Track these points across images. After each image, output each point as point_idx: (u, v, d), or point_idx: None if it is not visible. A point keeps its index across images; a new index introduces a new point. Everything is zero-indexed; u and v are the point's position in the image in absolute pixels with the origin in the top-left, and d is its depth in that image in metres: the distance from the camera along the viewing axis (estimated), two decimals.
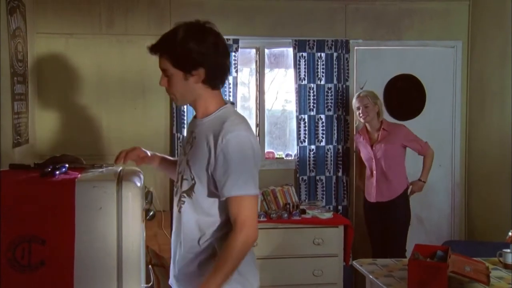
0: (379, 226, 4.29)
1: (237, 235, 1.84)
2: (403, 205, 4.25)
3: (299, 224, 4.26)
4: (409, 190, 4.28)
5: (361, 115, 4.23)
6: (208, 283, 1.82)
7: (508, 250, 3.01)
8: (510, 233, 3.12)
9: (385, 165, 4.20)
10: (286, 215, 4.31)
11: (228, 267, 1.83)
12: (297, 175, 4.71)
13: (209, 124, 1.93)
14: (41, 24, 4.31)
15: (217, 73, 1.96)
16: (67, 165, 2.09)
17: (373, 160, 4.24)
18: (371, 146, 4.25)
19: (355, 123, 4.50)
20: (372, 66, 4.84)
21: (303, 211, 4.39)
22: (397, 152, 4.21)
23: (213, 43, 1.94)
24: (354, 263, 3.17)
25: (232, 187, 1.83)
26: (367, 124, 4.30)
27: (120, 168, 2.19)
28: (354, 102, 4.30)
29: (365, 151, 4.33)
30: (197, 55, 1.90)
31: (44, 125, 4.34)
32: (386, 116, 4.75)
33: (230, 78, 4.51)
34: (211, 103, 1.98)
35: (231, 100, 4.55)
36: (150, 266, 2.13)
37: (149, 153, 2.23)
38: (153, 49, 1.96)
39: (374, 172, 4.24)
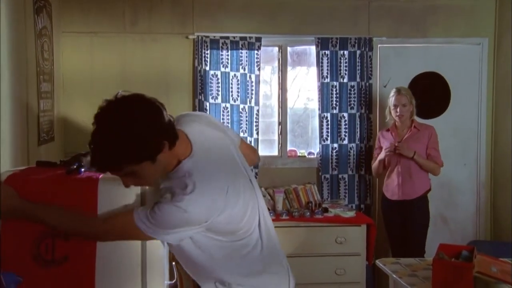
0: (398, 225, 4.20)
1: (99, 222, 1.82)
2: (423, 206, 4.16)
3: (322, 222, 4.25)
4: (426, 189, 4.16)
5: (398, 113, 4.11)
6: (36, 208, 1.81)
7: None
8: None
9: (410, 164, 4.09)
10: (308, 213, 4.30)
11: (58, 221, 1.81)
12: (320, 174, 4.69)
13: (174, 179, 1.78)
14: (66, 23, 4.37)
15: (171, 128, 1.74)
16: None
17: (399, 157, 4.11)
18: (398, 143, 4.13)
19: (387, 119, 4.28)
20: (396, 64, 4.79)
21: (326, 210, 4.37)
22: (423, 151, 4.11)
23: (141, 113, 1.69)
24: (377, 262, 3.15)
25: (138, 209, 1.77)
26: (397, 123, 4.20)
27: None
28: (392, 99, 4.14)
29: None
30: (156, 133, 1.68)
31: (69, 123, 4.41)
32: None
33: (253, 76, 4.52)
34: (172, 163, 1.79)
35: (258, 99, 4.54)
36: (173, 263, 2.13)
37: None
38: (106, 169, 1.74)
39: (399, 169, 4.12)
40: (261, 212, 1.97)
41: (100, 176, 1.94)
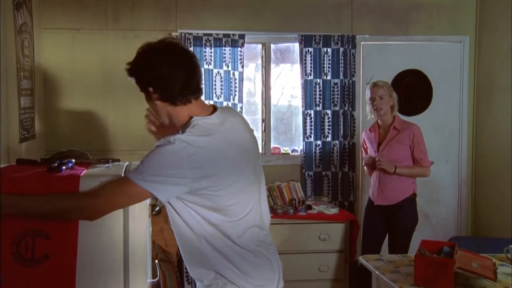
0: (380, 230, 3.94)
1: (85, 198, 1.78)
2: (410, 210, 3.84)
3: (305, 219, 4.26)
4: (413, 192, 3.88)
5: (375, 107, 3.82)
6: (14, 199, 1.78)
7: None
8: None
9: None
10: (292, 210, 4.31)
11: (42, 206, 1.77)
12: (303, 171, 4.70)
13: None
14: (47, 20, 4.32)
15: (167, 86, 1.88)
16: (73, 160, 2.10)
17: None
18: (379, 145, 3.89)
19: (368, 117, 4.04)
20: (378, 61, 4.82)
21: (309, 207, 4.39)
22: (406, 153, 3.81)
23: (151, 56, 1.91)
24: (360, 258, 3.16)
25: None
26: (379, 120, 3.92)
27: (127, 163, 2.20)
28: (368, 92, 3.88)
29: (371, 150, 3.96)
30: (138, 73, 1.94)
31: (50, 120, 4.36)
32: None
33: (236, 74, 4.52)
34: (184, 117, 1.92)
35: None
36: (156, 261, 2.13)
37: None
38: (140, 79, 1.96)
39: (377, 173, 3.88)
40: (257, 208, 2.01)
41: (82, 173, 1.93)
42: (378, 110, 3.83)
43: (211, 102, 4.47)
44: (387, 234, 3.96)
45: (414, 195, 3.88)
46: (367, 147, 4.05)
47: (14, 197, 1.78)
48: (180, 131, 1.86)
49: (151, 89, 1.88)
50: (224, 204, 1.86)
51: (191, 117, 1.89)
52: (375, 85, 3.86)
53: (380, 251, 3.92)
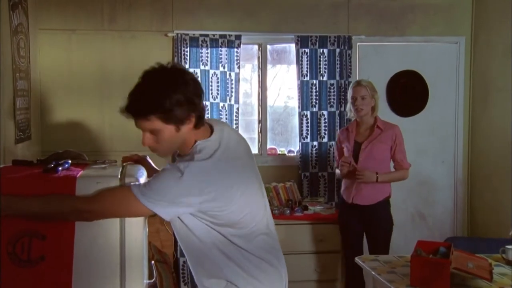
0: (357, 231, 3.85)
1: (86, 202, 1.79)
2: (387, 211, 3.80)
3: (301, 220, 4.27)
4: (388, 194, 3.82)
5: (356, 107, 3.74)
6: (10, 200, 1.77)
7: (511, 247, 3.00)
8: None
9: (372, 168, 3.70)
10: (288, 211, 4.31)
11: (41, 207, 1.77)
12: (299, 172, 4.70)
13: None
14: (43, 20, 4.31)
15: (203, 110, 1.90)
16: (69, 161, 2.09)
17: (359, 161, 3.74)
18: (360, 145, 3.77)
19: (348, 115, 3.99)
20: (374, 62, 4.82)
21: (305, 208, 4.39)
22: (387, 153, 3.76)
23: (192, 82, 1.85)
24: (356, 259, 3.16)
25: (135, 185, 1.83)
26: (358, 119, 3.83)
27: (123, 165, 2.19)
28: (350, 91, 3.81)
29: (347, 148, 3.84)
30: (187, 103, 1.81)
31: (46, 121, 4.35)
32: (389, 112, 4.75)
33: (233, 74, 4.51)
34: (190, 142, 1.91)
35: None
36: (153, 262, 2.12)
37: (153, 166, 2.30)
38: (138, 113, 1.82)
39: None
40: (263, 215, 2.04)
41: (78, 174, 1.92)
42: (359, 111, 3.76)
43: (207, 103, 4.48)
44: (365, 234, 3.87)
45: (389, 197, 3.82)
46: (342, 147, 3.92)
47: (12, 199, 1.78)
48: (186, 155, 1.89)
49: (193, 115, 1.84)
50: (234, 220, 1.90)
51: (195, 141, 1.89)
52: (358, 84, 3.80)
53: (363, 251, 3.86)
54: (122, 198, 1.80)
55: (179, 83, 1.81)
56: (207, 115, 4.49)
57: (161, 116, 1.79)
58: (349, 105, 3.86)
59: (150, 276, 2.16)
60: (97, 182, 1.85)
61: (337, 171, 4.00)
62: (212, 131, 1.95)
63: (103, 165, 2.18)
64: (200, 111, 1.87)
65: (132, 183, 1.84)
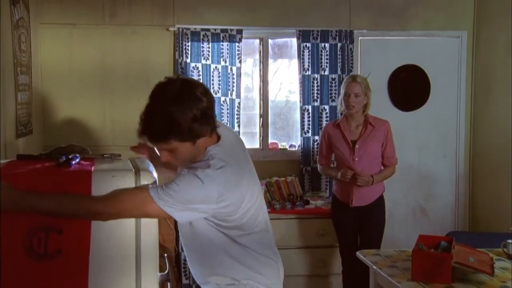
0: (353, 231, 3.82)
1: (102, 204, 1.79)
2: (382, 208, 3.79)
3: (303, 214, 4.27)
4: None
5: (347, 103, 3.65)
6: (24, 197, 1.75)
7: None
8: None
9: (367, 166, 3.68)
10: (289, 206, 4.31)
11: (54, 208, 1.76)
12: (301, 166, 4.70)
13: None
14: (44, 15, 4.30)
15: (215, 118, 1.94)
16: (79, 156, 2.07)
17: (354, 160, 3.69)
18: (353, 143, 3.71)
19: (338, 109, 3.91)
20: (376, 57, 4.81)
21: (307, 202, 4.39)
22: (379, 150, 3.72)
23: (203, 96, 1.86)
24: (358, 253, 3.17)
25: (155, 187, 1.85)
26: (347, 115, 3.75)
27: (128, 159, 2.19)
28: (344, 86, 3.71)
29: (344, 148, 3.73)
30: (202, 118, 1.84)
31: (48, 115, 4.35)
32: (390, 107, 4.75)
33: (234, 69, 4.51)
34: (202, 149, 1.95)
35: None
36: (165, 255, 2.15)
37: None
38: (157, 138, 1.86)
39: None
40: (263, 214, 2.12)
41: (93, 168, 1.92)
42: (350, 108, 3.67)
43: None
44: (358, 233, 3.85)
45: (383, 191, 3.83)
46: (328, 142, 3.84)
47: (26, 196, 1.77)
48: (198, 161, 1.92)
49: (208, 127, 1.88)
50: (241, 222, 1.97)
51: (205, 147, 1.94)
52: (353, 80, 3.70)
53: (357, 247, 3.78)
54: (139, 202, 1.82)
55: (192, 100, 1.82)
56: None
57: (178, 138, 1.84)
58: (340, 98, 3.77)
59: (161, 269, 2.17)
60: (113, 176, 1.84)
61: (320, 166, 4.00)
62: (218, 135, 2.00)
63: (110, 159, 2.17)
64: (214, 121, 1.91)
65: (150, 186, 1.85)
